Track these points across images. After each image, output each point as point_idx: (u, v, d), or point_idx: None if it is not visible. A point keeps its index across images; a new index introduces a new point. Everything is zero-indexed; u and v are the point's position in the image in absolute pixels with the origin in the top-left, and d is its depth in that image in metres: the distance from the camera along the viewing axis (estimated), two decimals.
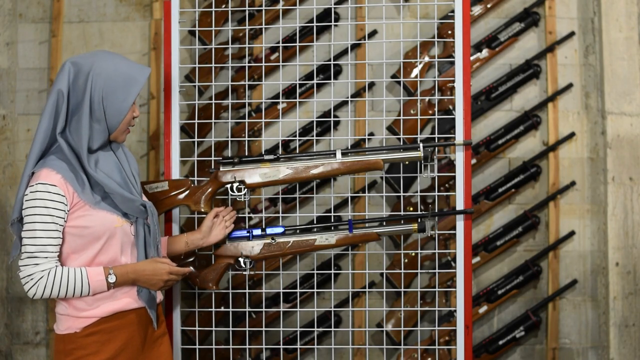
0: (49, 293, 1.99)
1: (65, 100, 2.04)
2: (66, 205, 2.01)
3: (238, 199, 2.57)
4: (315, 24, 3.19)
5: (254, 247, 2.56)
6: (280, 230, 2.58)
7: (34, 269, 1.99)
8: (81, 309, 2.06)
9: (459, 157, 2.65)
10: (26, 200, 2.01)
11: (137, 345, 2.13)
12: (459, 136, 2.66)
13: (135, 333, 2.12)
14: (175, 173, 2.68)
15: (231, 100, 3.20)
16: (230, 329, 2.86)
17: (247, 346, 2.94)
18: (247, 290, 2.87)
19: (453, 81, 2.71)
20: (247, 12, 3.13)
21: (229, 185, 2.58)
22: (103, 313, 2.07)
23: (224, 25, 3.29)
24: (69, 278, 2.00)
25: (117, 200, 2.08)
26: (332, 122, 3.21)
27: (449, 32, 3.14)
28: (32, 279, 1.98)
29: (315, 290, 2.96)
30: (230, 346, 2.83)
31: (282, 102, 3.25)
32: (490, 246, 3.26)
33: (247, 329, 2.88)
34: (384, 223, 2.71)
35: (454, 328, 2.83)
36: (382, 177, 3.21)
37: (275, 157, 2.58)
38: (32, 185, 2.01)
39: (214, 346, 2.85)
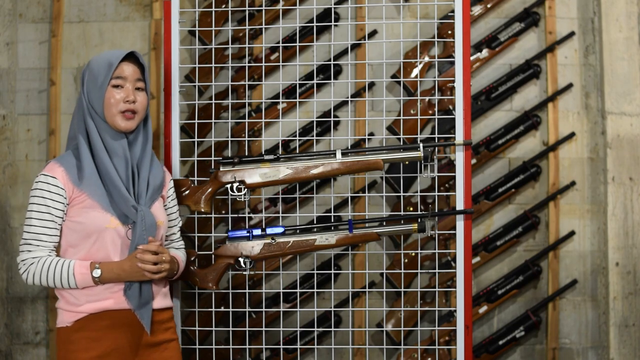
0: (39, 280, 2.07)
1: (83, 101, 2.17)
2: (65, 197, 2.09)
3: (238, 199, 2.57)
4: (315, 24, 3.19)
5: (254, 247, 2.56)
6: (280, 230, 2.58)
7: (26, 255, 2.08)
8: (72, 303, 2.10)
9: (459, 157, 2.65)
10: (30, 191, 2.11)
11: (128, 348, 2.11)
12: (459, 136, 2.66)
13: (125, 335, 2.11)
14: (175, 173, 2.68)
15: (231, 100, 3.20)
16: (230, 329, 2.87)
17: (247, 346, 2.94)
18: (247, 290, 2.87)
19: (453, 81, 2.71)
20: (247, 12, 3.13)
21: (229, 185, 2.58)
22: (91, 310, 2.09)
23: (224, 25, 3.29)
24: (56, 268, 2.06)
25: (114, 194, 2.09)
26: (332, 122, 3.21)
27: (449, 32, 3.14)
28: (24, 264, 2.08)
29: (315, 290, 2.97)
30: (230, 346, 2.83)
31: (282, 102, 3.25)
32: (490, 246, 3.26)
33: (247, 329, 2.88)
34: (384, 223, 2.71)
35: (454, 328, 2.83)
36: (382, 177, 3.21)
37: (275, 157, 2.58)
38: (37, 177, 2.11)
39: (214, 346, 2.85)
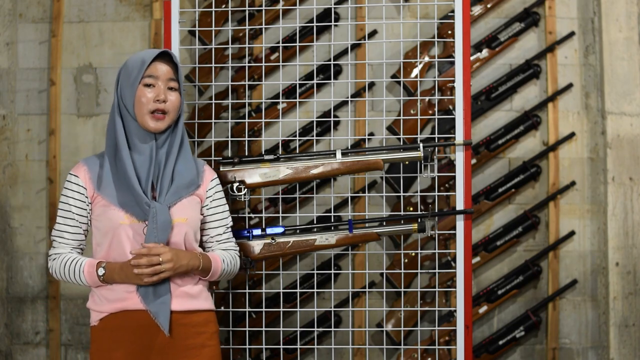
0: (59, 275, 2.15)
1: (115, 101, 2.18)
2: (86, 196, 2.14)
3: (238, 199, 2.57)
4: (315, 24, 3.19)
5: (254, 247, 2.56)
6: (280, 230, 2.58)
7: (52, 251, 2.17)
8: (96, 303, 2.14)
9: (459, 157, 2.66)
10: None
11: (147, 350, 2.09)
12: (459, 136, 2.66)
13: (143, 337, 2.09)
14: None
15: (231, 100, 3.20)
16: (230, 329, 2.87)
17: (247, 346, 2.94)
18: (247, 290, 2.87)
19: (453, 81, 2.72)
20: (247, 12, 3.13)
21: (229, 185, 2.58)
22: (110, 309, 2.10)
23: (224, 25, 3.29)
24: (70, 265, 2.12)
25: (131, 191, 2.09)
26: (332, 122, 3.21)
27: (449, 32, 3.14)
28: (49, 260, 2.18)
29: (315, 290, 2.97)
30: (231, 346, 2.84)
31: (282, 102, 3.25)
32: (490, 246, 3.26)
33: (247, 329, 2.88)
34: (384, 223, 2.71)
35: (454, 328, 2.83)
36: (382, 177, 3.21)
37: (275, 157, 2.58)
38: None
39: None
